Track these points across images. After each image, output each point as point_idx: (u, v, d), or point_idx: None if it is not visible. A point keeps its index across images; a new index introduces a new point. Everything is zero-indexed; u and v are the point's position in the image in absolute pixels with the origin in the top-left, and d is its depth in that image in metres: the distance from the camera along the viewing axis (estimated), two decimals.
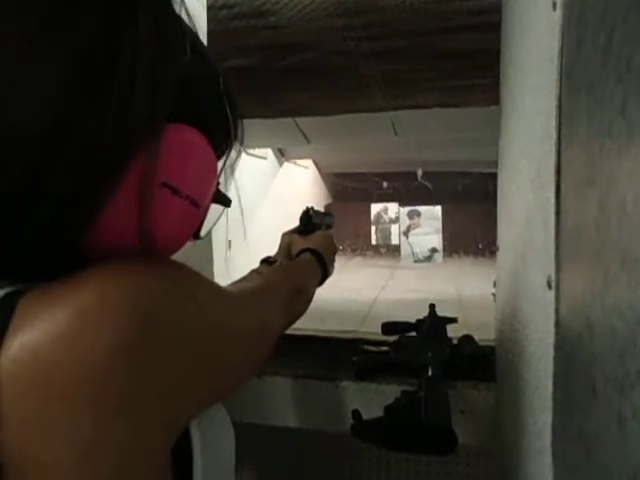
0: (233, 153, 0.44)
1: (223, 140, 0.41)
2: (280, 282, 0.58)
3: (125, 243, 0.33)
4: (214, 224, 0.44)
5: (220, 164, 0.42)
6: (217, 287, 0.40)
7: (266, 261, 0.80)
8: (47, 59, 0.28)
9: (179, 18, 0.37)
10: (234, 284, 0.74)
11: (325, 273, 0.75)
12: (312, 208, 0.87)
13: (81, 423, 0.26)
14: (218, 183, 0.41)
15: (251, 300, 0.47)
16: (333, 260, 0.80)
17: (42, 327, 0.27)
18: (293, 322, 0.60)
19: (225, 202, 0.44)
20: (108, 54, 0.30)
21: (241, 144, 0.44)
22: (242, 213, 1.64)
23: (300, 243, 0.80)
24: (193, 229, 0.38)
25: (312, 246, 0.76)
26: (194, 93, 0.37)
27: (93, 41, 0.30)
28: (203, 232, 0.41)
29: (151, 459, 0.28)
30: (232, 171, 0.45)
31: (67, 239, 0.31)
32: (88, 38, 0.29)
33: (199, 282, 0.36)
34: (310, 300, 0.66)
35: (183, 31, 0.37)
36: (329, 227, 0.92)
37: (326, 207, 3.29)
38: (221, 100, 0.40)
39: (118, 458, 0.27)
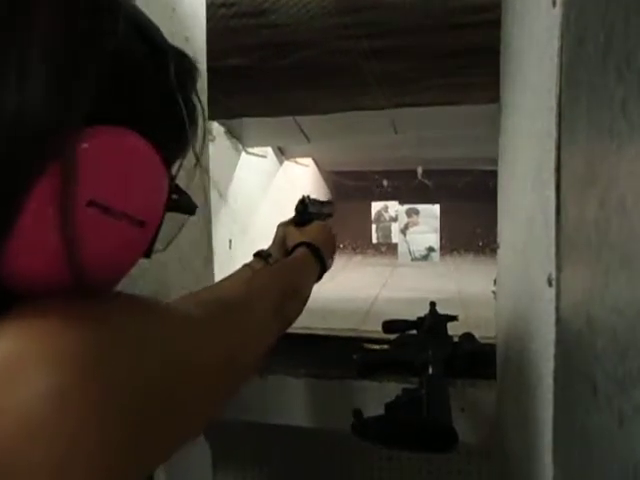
0: (197, 148, 0.37)
1: (175, 142, 0.35)
2: (268, 289, 0.53)
3: (49, 278, 0.27)
4: (175, 236, 0.38)
5: (176, 167, 0.36)
6: (173, 318, 0.34)
7: (259, 255, 0.74)
8: None
9: None
10: (220, 283, 0.72)
11: (323, 267, 0.69)
12: (308, 197, 0.81)
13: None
14: (175, 190, 0.35)
15: (231, 315, 0.41)
16: (332, 252, 0.74)
17: None
18: (287, 327, 0.55)
19: (187, 209, 0.38)
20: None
21: (203, 143, 0.38)
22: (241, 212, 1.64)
23: (295, 235, 0.73)
24: (138, 252, 0.32)
25: (308, 239, 0.70)
26: (134, 85, 0.31)
27: None
28: (162, 245, 0.35)
29: None
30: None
31: None
32: None
33: (145, 323, 0.30)
34: (305, 301, 0.61)
35: (114, 7, 0.29)
36: (329, 216, 0.85)
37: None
38: (172, 94, 0.33)
39: None
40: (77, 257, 0.27)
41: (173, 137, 0.35)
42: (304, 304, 0.61)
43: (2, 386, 0.23)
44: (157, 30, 0.34)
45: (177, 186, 0.36)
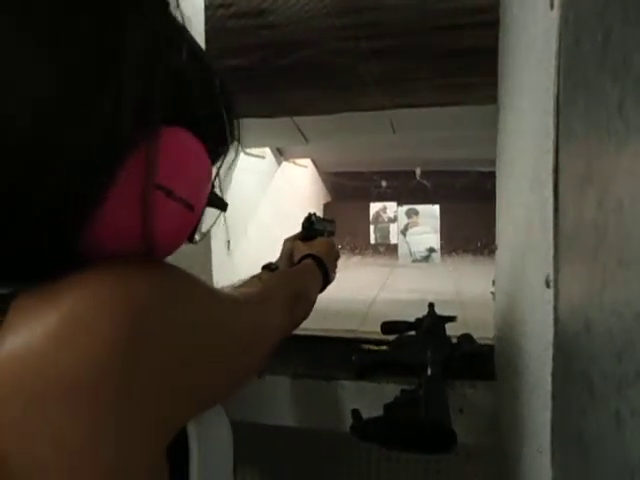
0: (230, 155, 0.44)
1: (218, 143, 0.41)
2: (280, 287, 0.58)
3: (119, 244, 0.32)
4: (210, 228, 0.43)
5: (216, 167, 0.42)
6: (212, 289, 0.40)
7: (268, 267, 0.80)
8: (41, 60, 0.29)
9: (174, 19, 0.36)
10: (234, 289, 0.74)
11: (326, 279, 0.75)
12: (314, 214, 0.88)
13: (72, 424, 0.26)
14: (213, 186, 0.41)
15: (249, 303, 0.47)
16: (335, 266, 0.81)
17: (33, 330, 0.27)
18: (295, 327, 0.60)
19: (221, 206, 0.44)
20: (101, 55, 0.30)
21: (237, 146, 0.44)
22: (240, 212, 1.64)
23: (302, 249, 0.80)
24: (187, 232, 0.38)
25: (314, 252, 0.77)
26: (189, 95, 0.37)
27: (86, 42, 0.30)
28: (198, 236, 0.41)
29: (145, 459, 0.28)
30: (228, 174, 0.45)
31: (62, 239, 0.31)
32: (80, 39, 0.30)
33: (193, 284, 0.36)
34: (312, 305, 0.65)
35: (178, 32, 0.37)
36: (331, 234, 0.93)
37: (326, 206, 3.28)
38: (217, 102, 0.40)
39: (111, 458, 0.27)
40: (150, 230, 0.32)
41: (217, 139, 0.41)
42: (310, 309, 0.65)
43: (66, 338, 0.27)
44: (203, 51, 0.41)
45: (213, 185, 0.41)
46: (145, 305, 0.29)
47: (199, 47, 0.40)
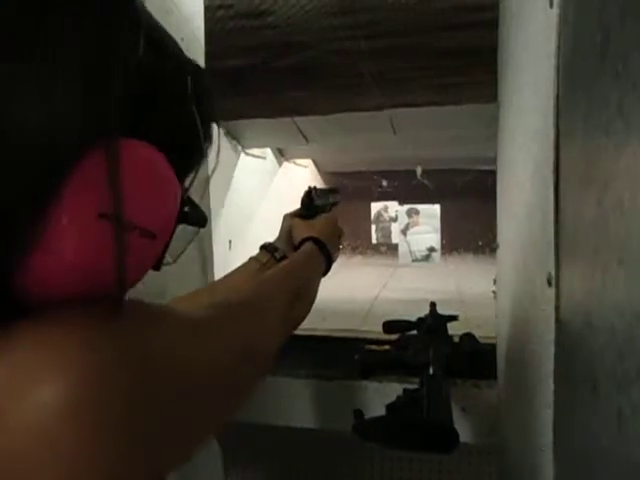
0: (207, 161, 0.37)
1: (189, 152, 0.35)
2: (278, 291, 0.53)
3: (61, 286, 0.27)
4: (185, 247, 0.38)
5: (189, 179, 0.36)
6: (183, 320, 0.34)
7: (265, 248, 0.74)
8: None
9: (134, 8, 0.30)
10: (229, 276, 0.72)
11: (329, 261, 0.70)
12: (315, 188, 0.81)
13: None
14: (187, 202, 0.36)
15: (238, 321, 0.41)
16: (338, 246, 0.75)
17: None
18: (295, 328, 0.56)
19: (198, 222, 0.38)
20: (30, 50, 0.25)
21: (217, 150, 0.38)
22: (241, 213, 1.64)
23: (302, 229, 0.74)
24: (150, 262, 0.32)
25: (315, 234, 0.70)
26: (150, 101, 0.31)
27: (15, 34, 0.25)
28: (172, 257, 0.36)
29: None
30: (205, 186, 0.39)
31: None
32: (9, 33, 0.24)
33: (155, 328, 0.30)
34: (313, 300, 0.62)
35: (134, 22, 0.30)
36: (334, 204, 0.85)
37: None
38: (186, 104, 0.33)
39: None
40: (87, 265, 0.27)
41: (188, 150, 0.35)
42: (311, 305, 0.61)
43: (15, 390, 0.23)
44: (175, 44, 0.34)
45: (189, 198, 0.36)
46: (98, 365, 0.25)
47: (166, 36, 0.34)
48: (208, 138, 0.36)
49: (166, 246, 0.33)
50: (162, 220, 0.31)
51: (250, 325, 0.42)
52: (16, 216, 0.25)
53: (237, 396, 0.38)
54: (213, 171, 0.39)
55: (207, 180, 0.38)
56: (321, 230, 0.72)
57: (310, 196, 0.79)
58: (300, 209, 0.80)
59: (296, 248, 0.72)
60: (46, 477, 0.23)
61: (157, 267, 0.34)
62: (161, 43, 0.33)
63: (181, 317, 0.34)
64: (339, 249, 0.75)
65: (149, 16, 0.32)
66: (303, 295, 0.58)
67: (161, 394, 0.28)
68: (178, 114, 0.33)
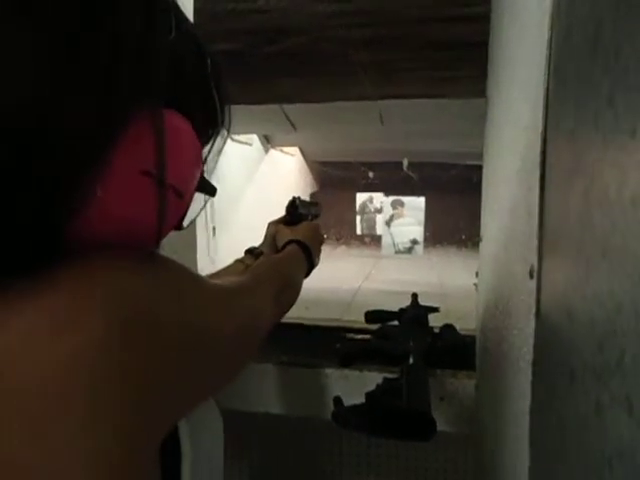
0: (219, 140, 0.42)
1: (209, 126, 0.39)
2: (269, 276, 0.57)
3: (109, 234, 0.31)
4: (197, 214, 0.42)
5: (205, 151, 0.40)
6: (204, 283, 0.38)
7: (250, 252, 0.78)
8: (27, 40, 0.27)
9: None
10: (216, 274, 0.73)
11: (311, 265, 0.74)
12: (299, 198, 0.86)
13: (55, 423, 0.24)
14: (203, 171, 0.40)
15: (241, 295, 0.45)
16: (319, 251, 0.79)
17: (9, 328, 0.25)
18: (283, 315, 0.58)
19: (210, 191, 0.42)
20: (89, 34, 0.28)
21: (228, 130, 0.42)
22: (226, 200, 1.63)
23: (286, 234, 0.78)
24: (175, 220, 0.36)
25: (298, 237, 0.75)
26: (179, 76, 0.35)
27: (72, 20, 0.28)
28: (186, 222, 0.40)
29: (137, 457, 0.27)
30: (217, 159, 0.43)
31: (51, 228, 0.29)
32: (67, 17, 0.28)
33: (184, 279, 0.34)
34: (298, 292, 0.64)
35: (168, 7, 0.34)
36: (316, 216, 0.91)
37: (312, 196, 3.27)
38: (208, 84, 0.38)
39: (102, 455, 0.25)
40: (131, 216, 0.31)
41: (208, 122, 0.39)
42: (297, 296, 0.63)
43: (56, 331, 0.25)
44: (194, 27, 0.38)
45: (202, 170, 0.40)
46: (130, 307, 0.28)
47: (190, 24, 0.38)
48: (223, 110, 0.40)
49: (187, 207, 0.37)
50: (189, 182, 0.35)
51: (248, 303, 0.45)
52: (73, 172, 0.28)
53: (233, 365, 0.41)
54: (224, 143, 0.43)
55: (220, 151, 0.42)
56: (304, 234, 0.76)
57: (294, 204, 0.85)
58: (284, 216, 0.85)
59: (280, 251, 0.75)
60: (79, 408, 0.24)
61: (179, 227, 0.38)
62: (186, 25, 0.36)
63: (204, 278, 0.39)
64: (319, 257, 0.80)
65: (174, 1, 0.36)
66: (289, 286, 0.60)
67: (181, 342, 0.30)
68: (201, 90, 0.37)
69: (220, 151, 0.43)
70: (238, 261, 0.76)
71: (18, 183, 0.27)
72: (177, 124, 0.34)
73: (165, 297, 0.30)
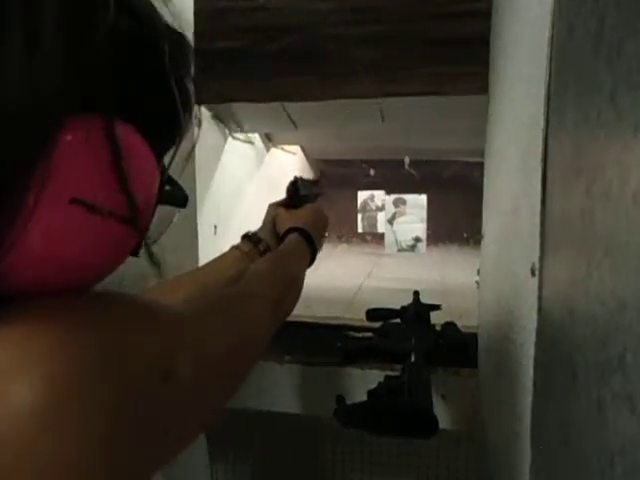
0: (188, 138, 0.34)
1: (168, 131, 0.33)
2: (268, 283, 0.52)
3: (33, 277, 0.26)
4: (162, 233, 0.35)
5: (169, 156, 0.33)
6: (168, 313, 0.32)
7: (249, 237, 0.73)
8: None
9: None
10: (211, 263, 0.71)
11: (314, 253, 0.69)
12: (300, 178, 0.80)
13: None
14: (168, 181, 0.34)
15: (228, 311, 0.40)
16: (323, 236, 0.73)
17: None
18: (285, 318, 0.55)
19: (178, 202, 0.36)
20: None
21: (198, 127, 0.36)
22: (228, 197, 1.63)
23: (287, 219, 0.72)
24: (124, 251, 0.30)
25: (300, 224, 0.69)
26: (119, 66, 0.27)
27: None
28: (155, 236, 0.33)
29: None
30: (185, 164, 0.35)
31: None
32: None
33: (133, 317, 0.28)
34: (300, 290, 0.61)
35: None
36: (318, 196, 0.84)
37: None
38: (164, 76, 0.30)
39: None
40: (61, 254, 0.25)
41: (167, 125, 0.32)
42: (299, 294, 0.60)
43: None
44: (149, 6, 0.31)
45: (170, 177, 0.34)
46: (78, 353, 0.24)
47: (138, 1, 0.30)
48: (188, 111, 0.34)
49: (144, 231, 0.31)
50: (139, 204, 0.28)
51: (242, 318, 0.41)
52: None
53: (229, 385, 0.38)
54: (193, 146, 0.37)
55: (189, 156, 0.36)
56: (306, 220, 0.71)
57: (295, 186, 0.78)
58: (285, 199, 0.79)
59: (280, 238, 0.71)
60: None
61: (135, 253, 0.32)
62: (132, 5, 0.29)
63: (169, 313, 0.32)
64: (324, 237, 0.75)
65: None
66: (290, 289, 0.57)
67: (146, 393, 0.26)
68: (156, 85, 0.30)
69: (189, 155, 0.36)
70: (234, 247, 0.71)
71: None
72: (121, 136, 0.27)
73: (106, 343, 0.25)
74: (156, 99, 0.31)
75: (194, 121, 0.35)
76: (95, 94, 0.25)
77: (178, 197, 0.36)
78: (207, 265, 0.70)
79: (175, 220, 0.38)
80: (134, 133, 0.28)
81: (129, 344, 0.26)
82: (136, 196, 0.28)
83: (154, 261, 0.33)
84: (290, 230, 0.69)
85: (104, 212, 0.26)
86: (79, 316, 0.26)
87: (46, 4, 0.24)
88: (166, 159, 0.34)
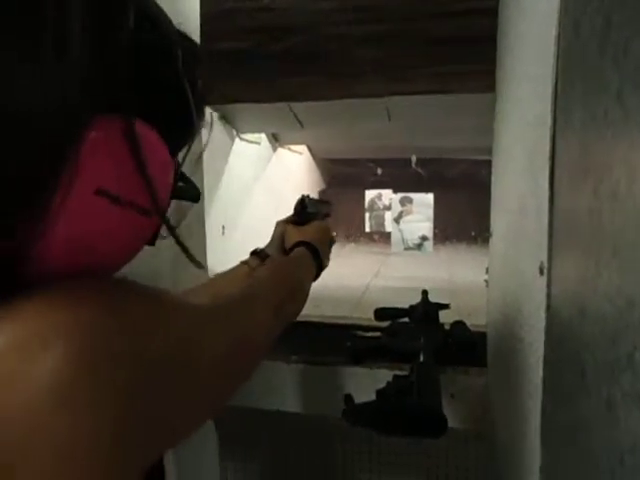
0: (199, 138, 0.37)
1: (181, 130, 0.35)
2: (272, 286, 0.53)
3: (67, 262, 0.28)
4: (178, 224, 0.37)
5: (182, 154, 0.36)
6: (181, 304, 0.34)
7: (256, 253, 0.75)
8: None
9: None
10: (219, 277, 0.72)
11: (320, 268, 0.70)
12: (308, 196, 0.82)
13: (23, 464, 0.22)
14: (181, 177, 0.36)
15: (231, 313, 0.41)
16: (329, 252, 0.76)
17: None
18: (288, 323, 0.54)
19: (191, 197, 0.38)
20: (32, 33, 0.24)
21: (210, 128, 0.39)
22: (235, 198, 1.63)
23: (294, 235, 0.74)
24: (143, 240, 0.33)
25: (307, 239, 0.71)
26: (139, 72, 0.30)
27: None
28: (165, 232, 0.35)
29: None
30: (198, 163, 0.38)
31: (3, 259, 0.26)
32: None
33: (153, 303, 0.30)
34: (306, 298, 0.61)
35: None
36: (327, 216, 0.86)
37: (320, 193, 3.27)
38: (178, 79, 0.33)
39: None
40: (86, 242, 0.27)
41: (180, 124, 0.35)
42: (304, 302, 0.61)
43: (25, 355, 0.23)
44: (164, 15, 0.33)
45: (182, 173, 0.37)
46: (102, 333, 0.25)
47: (155, 6, 0.33)
48: (201, 112, 0.36)
49: (159, 222, 0.34)
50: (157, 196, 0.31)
51: (244, 318, 0.42)
52: (19, 192, 0.25)
53: (231, 384, 0.39)
54: (205, 145, 0.40)
55: (200, 155, 0.39)
56: (313, 236, 0.72)
57: (303, 203, 0.81)
58: (293, 215, 0.81)
59: (287, 253, 0.72)
60: (60, 437, 0.23)
61: (152, 242, 0.35)
62: (149, 14, 0.32)
63: (182, 301, 0.35)
64: (329, 258, 0.77)
65: None
66: (297, 292, 0.58)
67: (161, 372, 0.28)
68: (170, 88, 0.33)
69: (201, 154, 0.39)
70: (242, 263, 0.73)
71: None
72: (141, 133, 0.29)
73: (127, 329, 0.27)
74: (171, 100, 0.33)
75: (205, 123, 0.38)
76: (117, 94, 0.28)
77: (191, 192, 0.39)
78: (215, 279, 0.72)
79: (187, 216, 0.40)
80: (151, 131, 0.30)
81: (147, 333, 0.28)
82: (154, 188, 0.30)
83: (183, 248, 0.36)
84: (297, 244, 0.71)
85: (126, 203, 0.28)
86: (103, 299, 0.27)
87: (73, 6, 0.25)
88: (179, 158, 0.36)
